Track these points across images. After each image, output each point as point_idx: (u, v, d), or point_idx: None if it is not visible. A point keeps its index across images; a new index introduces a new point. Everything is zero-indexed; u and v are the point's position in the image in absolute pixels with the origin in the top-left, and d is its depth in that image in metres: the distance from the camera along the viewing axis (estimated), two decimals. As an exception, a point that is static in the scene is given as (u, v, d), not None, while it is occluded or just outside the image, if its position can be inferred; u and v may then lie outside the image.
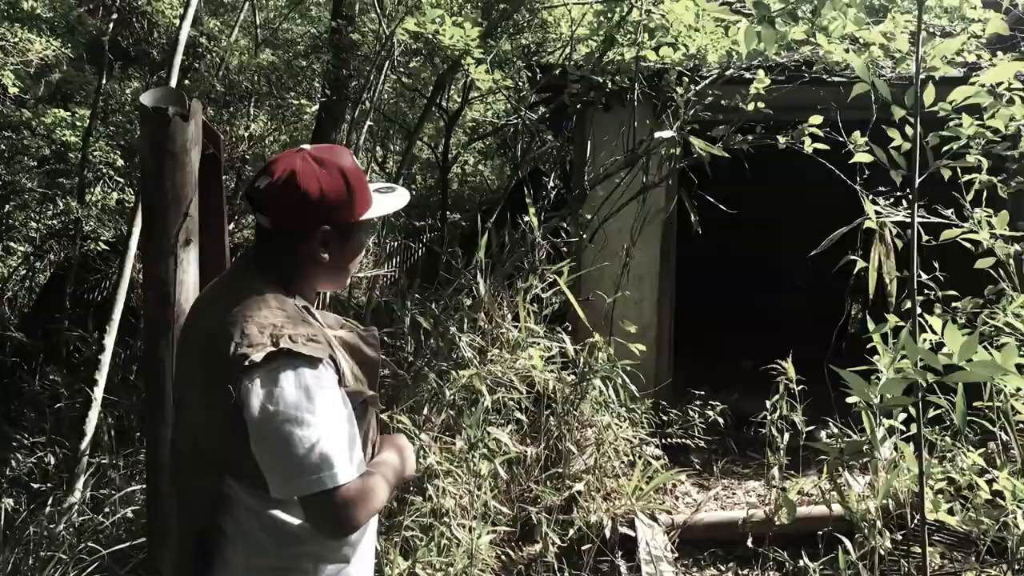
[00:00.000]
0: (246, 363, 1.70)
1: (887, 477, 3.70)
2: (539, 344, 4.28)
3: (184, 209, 2.96)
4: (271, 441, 1.70)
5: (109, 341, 4.80)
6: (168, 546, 2.89)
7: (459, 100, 7.11)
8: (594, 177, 4.65)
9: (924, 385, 1.79)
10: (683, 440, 5.96)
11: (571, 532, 4.73)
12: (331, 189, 1.86)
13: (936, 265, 4.02)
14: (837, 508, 5.11)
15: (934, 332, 2.45)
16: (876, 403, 1.96)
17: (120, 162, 8.46)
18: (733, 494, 6.21)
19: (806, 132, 4.17)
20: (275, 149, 11.15)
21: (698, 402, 6.00)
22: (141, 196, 3.35)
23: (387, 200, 2.02)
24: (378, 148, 8.74)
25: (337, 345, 1.88)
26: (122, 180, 8.46)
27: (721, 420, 5.99)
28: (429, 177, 9.44)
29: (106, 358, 4.78)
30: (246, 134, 8.64)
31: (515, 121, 8.46)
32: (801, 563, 5.01)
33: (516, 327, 4.24)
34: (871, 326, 3.09)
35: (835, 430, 6.56)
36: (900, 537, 4.65)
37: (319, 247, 1.88)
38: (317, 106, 8.22)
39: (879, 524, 4.75)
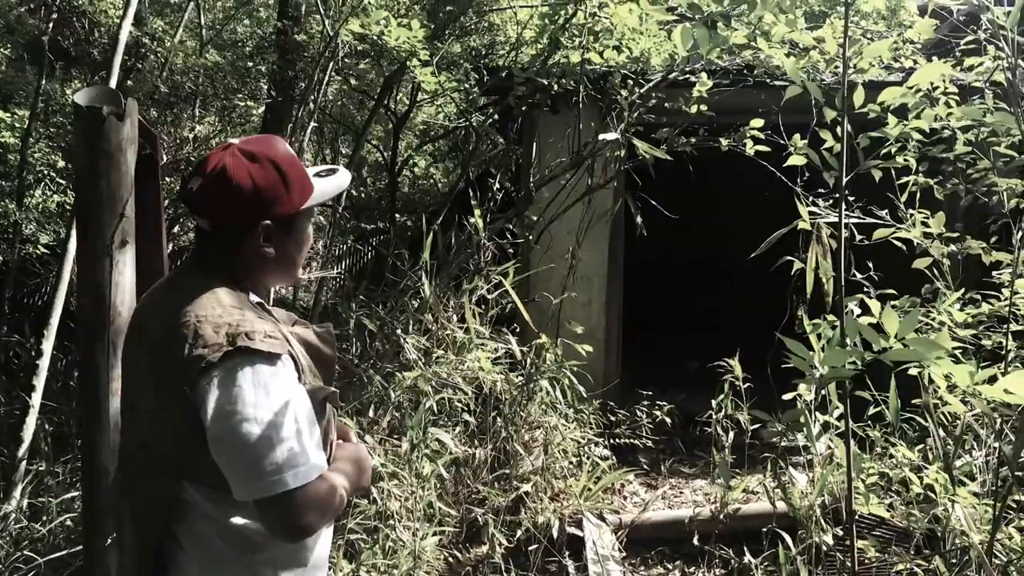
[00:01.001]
0: (202, 364, 1.65)
1: (823, 472, 3.77)
2: (486, 345, 4.28)
3: (120, 210, 2.92)
4: (230, 442, 1.64)
5: (47, 346, 4.70)
6: (109, 552, 2.85)
7: (408, 102, 7.09)
8: (540, 178, 4.66)
9: (861, 364, 1.83)
10: (631, 440, 6.01)
11: (519, 533, 4.74)
12: (265, 182, 1.81)
13: (871, 265, 4.10)
14: (781, 505, 5.21)
15: (872, 315, 2.50)
16: (817, 375, 1.98)
17: (61, 164, 8.28)
18: (680, 493, 6.27)
19: (747, 135, 4.23)
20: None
21: (645, 402, 6.06)
22: (75, 197, 3.29)
23: (328, 183, 1.97)
24: (327, 150, 8.68)
25: (294, 341, 1.84)
26: (63, 182, 8.27)
27: (668, 420, 6.05)
28: (379, 180, 9.40)
29: (44, 363, 4.68)
30: (191, 136, 8.51)
31: (464, 124, 8.49)
32: (746, 559, 5.10)
33: (462, 328, 4.23)
34: (807, 325, 3.15)
35: (778, 427, 6.70)
36: (841, 532, 4.74)
37: (261, 243, 1.84)
38: (263, 107, 8.15)
39: (820, 519, 4.86)
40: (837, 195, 4.80)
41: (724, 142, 4.36)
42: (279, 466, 1.63)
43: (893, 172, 4.20)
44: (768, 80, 4.78)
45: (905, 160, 3.73)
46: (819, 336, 3.15)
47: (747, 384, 5.37)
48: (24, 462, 4.54)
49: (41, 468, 4.47)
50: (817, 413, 3.60)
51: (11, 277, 7.16)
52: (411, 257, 4.80)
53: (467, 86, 5.87)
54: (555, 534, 4.81)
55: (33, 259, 7.39)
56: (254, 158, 1.83)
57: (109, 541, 2.73)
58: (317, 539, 1.89)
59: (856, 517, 4.74)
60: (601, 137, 4.20)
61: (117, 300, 2.91)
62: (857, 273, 3.71)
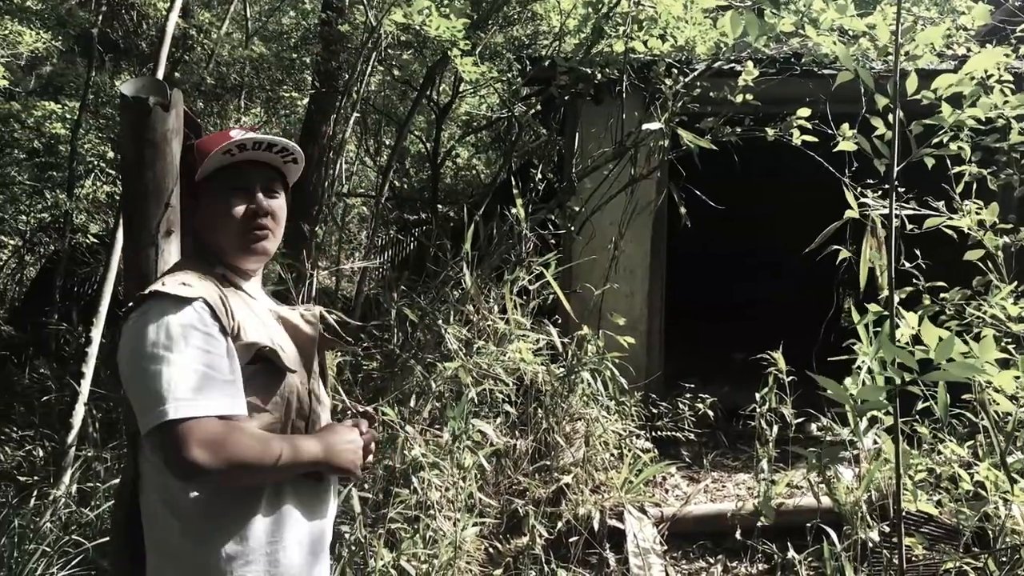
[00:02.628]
0: (122, 313, 1.79)
1: (870, 468, 3.69)
2: (527, 337, 4.26)
3: (165, 200, 2.94)
4: (126, 376, 1.72)
5: (96, 334, 4.78)
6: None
7: (451, 93, 7.08)
8: (582, 169, 4.62)
9: (901, 383, 1.78)
10: (673, 433, 5.96)
11: (559, 525, 4.72)
12: (185, 157, 2.12)
13: (917, 253, 4.01)
14: (826, 500, 5.14)
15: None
16: (854, 405, 1.94)
17: (110, 154, 8.42)
18: (723, 487, 6.21)
19: (794, 124, 4.16)
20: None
21: (688, 395, 6.00)
22: (122, 187, 3.33)
23: (239, 134, 2.08)
24: (370, 141, 8.71)
25: (269, 319, 1.93)
26: (112, 173, 8.42)
27: (712, 413, 5.99)
28: (421, 171, 9.41)
29: (93, 351, 4.76)
30: (237, 127, 8.57)
31: (507, 115, 8.47)
32: (789, 555, 5.03)
33: (503, 319, 4.22)
34: (855, 317, 3.08)
35: (824, 422, 6.60)
36: (888, 529, 4.66)
37: (196, 212, 2.08)
38: (307, 99, 8.19)
39: (865, 515, 4.78)
40: (887, 184, 4.71)
41: (770, 131, 4.29)
42: (162, 397, 1.64)
43: (948, 161, 4.11)
44: (816, 69, 4.68)
45: (959, 148, 3.63)
46: (867, 327, 3.09)
47: (791, 377, 5.29)
48: (73, 448, 4.62)
49: (90, 454, 4.55)
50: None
51: (62, 266, 7.30)
52: (453, 248, 4.80)
53: (510, 76, 5.83)
54: (596, 526, 4.79)
55: (83, 248, 7.53)
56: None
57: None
58: (253, 518, 1.80)
59: (903, 514, 4.66)
60: (645, 127, 4.15)
61: (162, 289, 2.94)
62: (906, 263, 3.62)
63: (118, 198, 8.17)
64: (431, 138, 8.09)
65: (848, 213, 2.94)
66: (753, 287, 11.44)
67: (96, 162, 8.43)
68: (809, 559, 5.06)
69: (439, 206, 7.12)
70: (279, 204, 2.06)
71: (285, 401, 1.86)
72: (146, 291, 1.77)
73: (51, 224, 8.44)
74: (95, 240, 7.59)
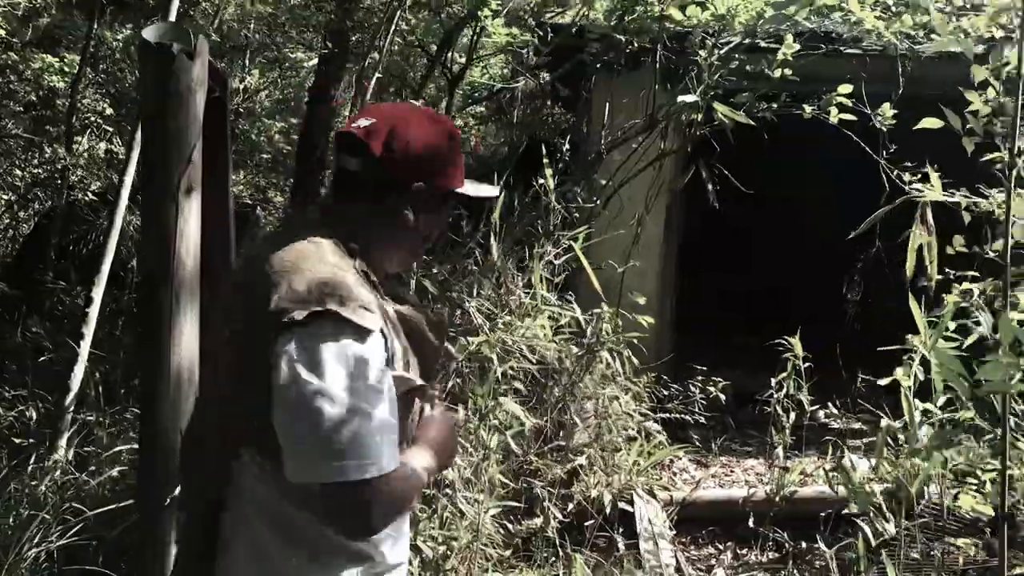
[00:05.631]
0: (285, 319, 1.48)
1: (912, 463, 3.55)
2: (551, 312, 4.11)
3: (187, 155, 2.77)
4: (295, 413, 1.47)
5: (97, 294, 4.61)
6: (165, 516, 2.74)
7: (461, 61, 6.88)
8: (611, 140, 4.46)
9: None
10: (682, 416, 5.83)
11: (570, 506, 4.61)
12: (438, 145, 1.70)
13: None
14: (839, 489, 5.04)
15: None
16: (971, 389, 1.79)
17: (109, 111, 8.20)
18: (731, 472, 6.11)
19: (834, 101, 4.01)
20: (268, 105, 10.89)
21: (700, 378, 5.87)
22: (141, 139, 3.15)
23: (476, 187, 1.84)
24: None
25: (395, 320, 1.66)
26: (111, 129, 8.20)
27: (723, 397, 5.86)
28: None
29: (94, 311, 4.59)
30: (241, 87, 8.37)
31: (518, 84, 8.28)
32: (804, 544, 4.94)
33: (529, 293, 4.06)
34: (913, 305, 2.92)
35: (834, 410, 6.50)
36: (906, 523, 4.57)
37: (406, 206, 1.69)
38: (316, 59, 7.96)
39: (882, 507, 4.68)
40: (928, 169, 4.57)
41: (808, 109, 4.14)
42: (343, 451, 1.44)
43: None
44: (855, 47, 4.53)
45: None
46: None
47: (807, 364, 5.16)
48: (71, 411, 4.47)
49: (89, 418, 4.39)
50: (916, 400, 3.39)
51: (58, 223, 7.09)
52: (470, 218, 4.64)
53: (531, 43, 5.65)
54: (608, 509, 4.68)
55: (81, 205, 7.31)
56: (433, 119, 1.76)
57: (168, 502, 2.62)
58: (383, 541, 1.68)
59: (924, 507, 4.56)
60: (680, 99, 4.00)
61: (182, 250, 2.77)
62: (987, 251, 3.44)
63: (117, 156, 7.96)
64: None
65: (930, 195, 2.76)
66: (772, 269, 11.29)
67: (94, 118, 8.20)
68: (819, 549, 5.00)
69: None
70: None
71: (409, 424, 1.73)
72: (323, 305, 1.49)
73: (47, 180, 8.21)
74: (94, 198, 7.38)
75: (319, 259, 1.57)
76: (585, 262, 4.01)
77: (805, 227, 10.93)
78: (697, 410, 5.77)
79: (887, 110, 4.04)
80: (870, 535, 3.79)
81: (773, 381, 5.24)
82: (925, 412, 3.26)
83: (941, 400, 2.98)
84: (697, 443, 6.04)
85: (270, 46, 8.60)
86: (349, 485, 1.45)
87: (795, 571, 4.79)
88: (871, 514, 4.69)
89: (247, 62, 8.87)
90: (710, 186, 4.41)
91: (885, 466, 5.33)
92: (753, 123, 3.98)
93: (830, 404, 6.43)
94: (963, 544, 3.69)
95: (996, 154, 5.06)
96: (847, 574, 4.56)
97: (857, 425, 7.10)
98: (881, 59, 4.93)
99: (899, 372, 3.27)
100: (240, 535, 1.60)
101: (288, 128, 10.24)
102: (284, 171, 9.91)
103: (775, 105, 4.13)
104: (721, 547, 5.14)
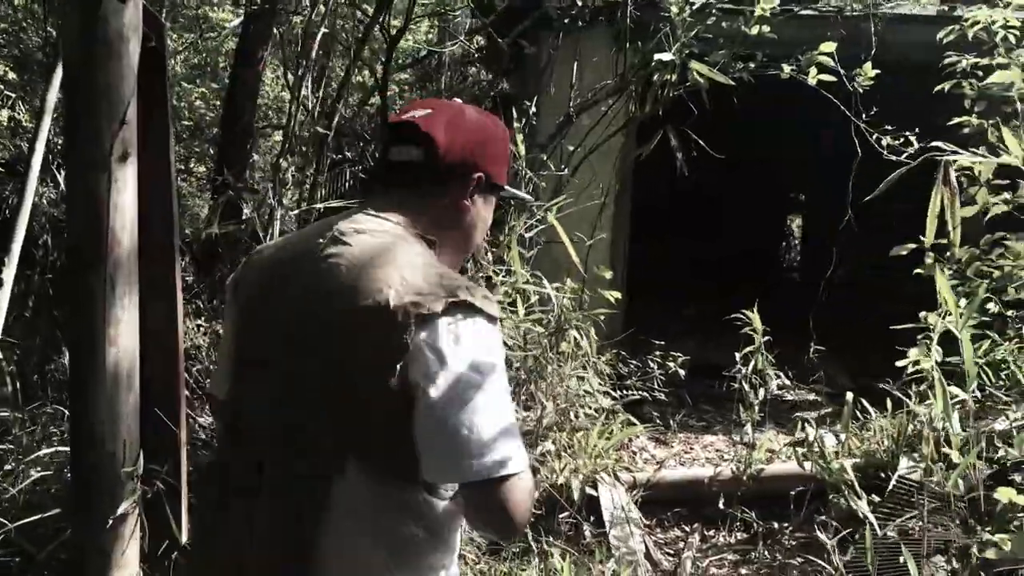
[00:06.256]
0: (423, 311, 1.40)
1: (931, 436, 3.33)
2: (523, 289, 3.80)
3: (120, 114, 2.37)
4: (449, 406, 1.38)
5: (8, 275, 4.12)
6: (102, 529, 2.37)
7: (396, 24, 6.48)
8: (580, 104, 4.15)
9: None
10: (640, 392, 5.63)
11: (537, 494, 4.36)
12: (494, 138, 1.70)
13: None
14: (806, 466, 4.90)
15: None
16: None
17: (11, 76, 7.52)
18: (690, 449, 5.95)
19: (815, 61, 3.80)
20: (185, 70, 10.26)
21: (658, 352, 5.65)
22: (64, 95, 2.71)
23: (514, 190, 1.88)
24: (315, 69, 7.96)
25: None
26: (13, 95, 7.52)
27: (682, 372, 5.66)
28: (365, 105, 8.76)
29: (4, 294, 4.11)
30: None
31: (449, 49, 7.92)
32: (775, 524, 4.79)
33: (500, 271, 3.73)
34: (938, 275, 2.69)
35: (784, 381, 6.38)
36: (877, 499, 4.45)
37: (469, 196, 1.65)
38: (239, 19, 7.43)
39: (854, 483, 4.55)
40: (910, 133, 4.40)
41: (787, 68, 3.92)
42: (502, 445, 1.39)
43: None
44: (813, 8, 4.33)
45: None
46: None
47: (767, 337, 4.99)
48: (-20, 406, 3.99)
49: (5, 415, 3.92)
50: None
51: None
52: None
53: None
54: (575, 495, 4.44)
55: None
56: (484, 113, 1.75)
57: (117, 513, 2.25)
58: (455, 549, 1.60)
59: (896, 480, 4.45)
60: (657, 57, 3.71)
61: (116, 225, 2.38)
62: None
63: (21, 123, 7.31)
64: (370, 70, 7.49)
65: (961, 160, 2.53)
66: (741, 234, 11.23)
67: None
68: (790, 528, 4.86)
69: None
70: None
71: None
72: (455, 296, 1.43)
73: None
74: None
75: (414, 252, 1.54)
76: (564, 235, 3.71)
77: (780, 191, 10.95)
78: (656, 385, 5.57)
79: (868, 70, 3.84)
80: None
81: (738, 356, 5.06)
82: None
83: (973, 385, 2.76)
84: (658, 420, 5.84)
85: (188, 4, 8.02)
86: (507, 480, 1.39)
87: (765, 552, 4.65)
88: (844, 492, 4.58)
89: (163, 21, 8.22)
90: (679, 154, 4.16)
91: (854, 441, 5.25)
92: (733, 83, 3.74)
93: (781, 375, 6.31)
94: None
95: (965, 118, 4.98)
96: (820, 554, 4.44)
97: (812, 396, 7.04)
98: (844, 22, 4.77)
99: (913, 352, 3.06)
100: (335, 547, 1.48)
101: (209, 94, 9.66)
102: (207, 140, 9.35)
103: (752, 65, 3.90)
104: (688, 529, 4.96)
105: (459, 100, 1.75)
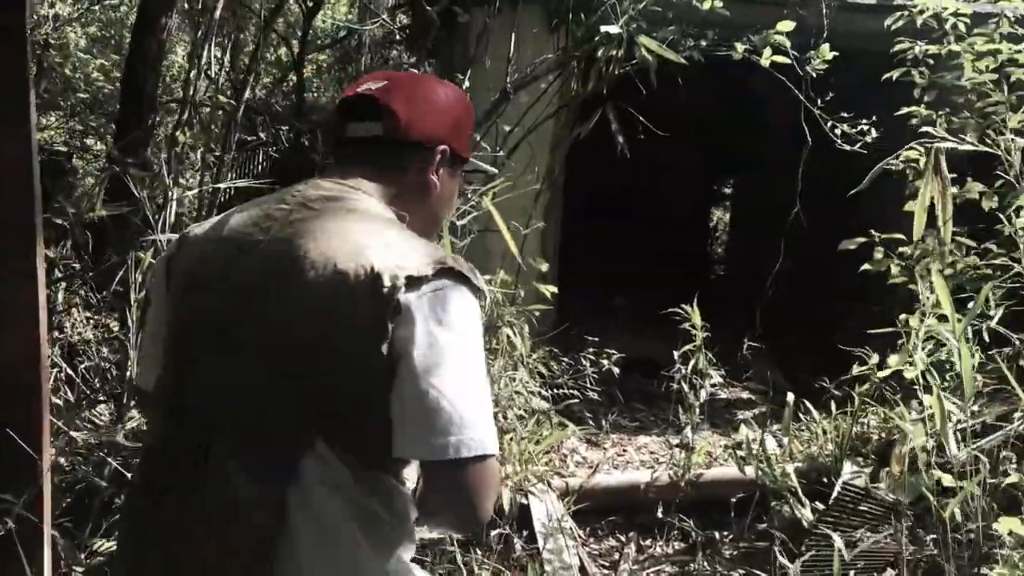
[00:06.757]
0: (412, 274, 1.35)
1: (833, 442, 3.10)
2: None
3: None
4: (431, 379, 1.31)
5: None
6: None
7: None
8: (519, 79, 3.79)
9: None
10: (571, 391, 5.32)
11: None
12: (458, 107, 1.65)
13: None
14: (747, 471, 4.68)
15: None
16: None
17: None
18: (624, 451, 5.66)
19: (770, 41, 3.52)
20: (81, 40, 9.62)
21: (591, 349, 5.35)
22: None
23: (476, 162, 1.82)
24: (226, 42, 7.40)
25: None
26: None
27: (616, 370, 5.37)
28: (282, 83, 8.24)
29: None
30: (49, 13, 7.13)
31: (370, 29, 7.53)
32: (716, 534, 4.54)
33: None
34: (939, 284, 2.37)
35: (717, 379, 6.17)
36: (822, 506, 4.23)
37: (434, 171, 1.60)
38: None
39: (798, 490, 4.33)
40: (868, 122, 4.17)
41: (740, 47, 3.63)
42: (480, 422, 1.32)
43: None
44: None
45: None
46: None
47: (707, 334, 4.73)
48: None
49: None
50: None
51: None
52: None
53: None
54: (506, 506, 4.11)
55: None
56: (443, 83, 1.68)
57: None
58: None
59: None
60: (604, 29, 3.38)
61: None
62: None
63: None
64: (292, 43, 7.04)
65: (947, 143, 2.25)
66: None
67: None
68: (730, 537, 4.62)
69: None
70: None
71: None
72: (443, 263, 1.39)
73: None
74: None
75: (389, 221, 1.49)
76: (501, 223, 3.35)
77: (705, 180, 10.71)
78: (589, 384, 5.28)
79: (825, 51, 3.59)
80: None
81: (676, 354, 4.80)
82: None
83: (971, 401, 2.47)
84: (590, 420, 5.54)
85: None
86: (478, 461, 1.32)
87: (704, 563, 4.38)
88: (787, 499, 4.35)
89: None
90: (620, 137, 3.85)
91: (797, 444, 5.03)
92: (684, 62, 3.44)
93: (714, 373, 6.09)
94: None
95: (913, 108, 4.80)
96: (762, 564, 4.21)
97: (745, 395, 6.85)
98: (792, 10, 4.55)
99: (895, 359, 2.78)
100: (307, 521, 1.38)
101: (109, 65, 9.00)
102: (105, 114, 8.71)
103: (703, 43, 3.61)
104: (623, 538, 4.67)
105: (410, 71, 1.61)
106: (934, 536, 3.62)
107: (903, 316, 2.92)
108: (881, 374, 3.04)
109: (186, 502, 1.41)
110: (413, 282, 1.35)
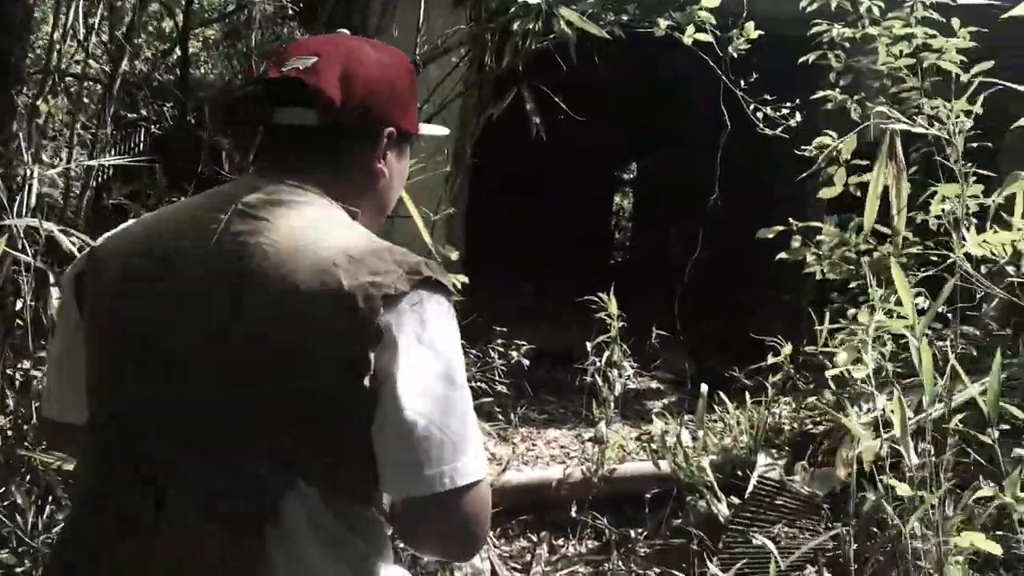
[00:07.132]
0: (388, 292, 1.20)
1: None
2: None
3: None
4: (418, 408, 1.20)
5: None
6: None
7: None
8: (428, 52, 3.49)
9: None
10: (480, 384, 5.09)
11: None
12: (399, 81, 1.44)
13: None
14: (662, 465, 4.57)
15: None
16: None
17: None
18: (534, 446, 5.47)
19: (695, 18, 3.34)
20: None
21: (500, 341, 5.13)
22: None
23: (424, 125, 1.59)
24: (97, 9, 6.80)
25: None
26: None
27: (526, 361, 5.17)
28: (167, 57, 7.68)
29: None
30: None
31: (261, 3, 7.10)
32: (630, 531, 4.39)
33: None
34: (895, 268, 2.20)
35: (630, 369, 6.05)
36: (738, 501, 4.14)
37: (378, 157, 1.42)
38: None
39: (713, 485, 4.24)
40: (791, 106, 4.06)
41: (662, 23, 3.45)
42: (471, 447, 1.23)
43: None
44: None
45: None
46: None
47: (622, 324, 4.58)
48: None
49: None
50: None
51: None
52: (237, 150, 3.52)
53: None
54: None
55: None
56: (383, 49, 1.46)
57: None
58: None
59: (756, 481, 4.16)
60: (521, 0, 3.14)
61: None
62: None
63: None
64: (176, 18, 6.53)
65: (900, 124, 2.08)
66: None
67: None
68: (645, 534, 4.49)
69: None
70: None
71: None
72: (419, 272, 1.24)
73: None
74: None
75: (345, 224, 1.34)
76: (413, 209, 3.06)
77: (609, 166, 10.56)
78: (497, 377, 5.06)
79: (750, 30, 3.44)
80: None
81: (589, 345, 4.64)
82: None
83: (926, 401, 2.31)
84: (499, 416, 5.32)
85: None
86: (472, 488, 1.23)
87: (619, 562, 4.24)
88: (703, 493, 4.25)
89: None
90: (536, 118, 3.62)
91: (711, 437, 4.93)
92: (608, 36, 3.22)
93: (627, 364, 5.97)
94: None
95: (828, 92, 4.73)
96: (678, 563, 4.09)
97: (655, 384, 6.76)
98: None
99: (841, 357, 2.62)
100: (287, 564, 1.26)
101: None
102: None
103: (624, 18, 3.41)
104: (535, 538, 4.49)
105: (342, 33, 1.47)
106: (847, 528, 3.54)
107: (851, 312, 2.78)
108: (829, 373, 2.90)
109: (142, 550, 1.25)
110: (391, 301, 1.22)
